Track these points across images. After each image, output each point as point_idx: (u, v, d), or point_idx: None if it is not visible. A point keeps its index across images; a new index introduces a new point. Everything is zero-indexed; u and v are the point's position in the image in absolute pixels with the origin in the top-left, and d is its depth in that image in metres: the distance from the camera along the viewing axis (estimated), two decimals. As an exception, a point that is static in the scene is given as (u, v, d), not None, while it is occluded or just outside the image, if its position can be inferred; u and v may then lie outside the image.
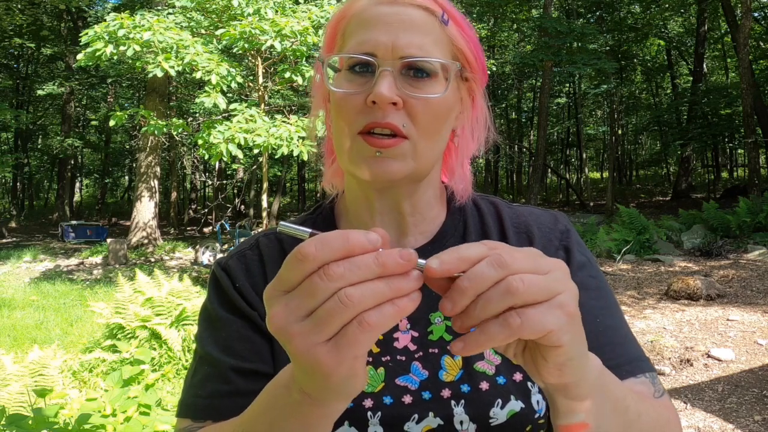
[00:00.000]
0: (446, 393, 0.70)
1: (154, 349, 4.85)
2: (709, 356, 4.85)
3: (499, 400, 0.69)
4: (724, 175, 28.16)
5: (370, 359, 0.72)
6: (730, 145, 23.63)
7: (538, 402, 0.70)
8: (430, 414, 0.69)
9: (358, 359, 0.44)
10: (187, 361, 4.89)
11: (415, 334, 0.73)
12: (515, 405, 0.69)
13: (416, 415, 0.69)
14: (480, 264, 0.44)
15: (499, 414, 0.69)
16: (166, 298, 5.36)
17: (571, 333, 0.46)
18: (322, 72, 0.75)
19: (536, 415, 0.70)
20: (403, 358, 0.72)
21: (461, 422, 0.68)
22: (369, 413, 0.69)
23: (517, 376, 0.71)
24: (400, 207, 0.75)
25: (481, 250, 0.45)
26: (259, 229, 12.90)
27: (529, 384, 0.71)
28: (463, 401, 0.69)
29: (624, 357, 0.71)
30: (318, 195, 28.38)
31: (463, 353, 0.46)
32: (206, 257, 11.57)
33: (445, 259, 0.44)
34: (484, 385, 0.70)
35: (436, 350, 0.72)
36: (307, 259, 0.43)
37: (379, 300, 0.43)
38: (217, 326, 0.75)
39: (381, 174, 0.67)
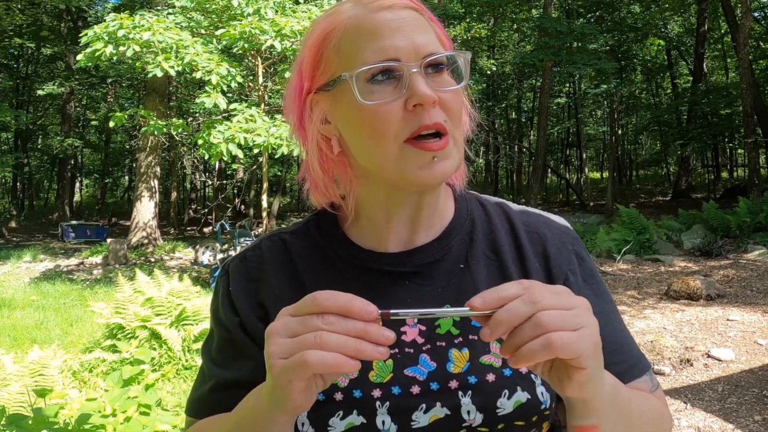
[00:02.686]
0: (454, 384, 0.71)
1: (154, 349, 4.85)
2: (709, 356, 4.85)
3: (506, 391, 0.71)
4: (724, 175, 28.15)
5: None
6: (730, 145, 23.62)
7: (542, 393, 0.73)
8: (438, 404, 0.71)
9: (292, 383, 0.55)
10: (186, 361, 4.89)
11: (423, 328, 0.74)
12: (521, 396, 0.71)
13: (424, 405, 0.71)
14: (515, 301, 0.54)
15: (505, 404, 0.71)
16: (166, 298, 5.36)
17: (594, 359, 0.56)
18: (303, 102, 0.75)
19: (542, 406, 0.72)
20: (411, 351, 0.73)
21: (468, 412, 0.70)
22: (377, 403, 0.71)
23: (523, 369, 0.72)
24: (422, 203, 0.76)
25: (517, 290, 0.55)
26: (260, 230, 12.89)
27: (534, 376, 0.73)
28: (470, 392, 0.71)
29: (632, 359, 0.78)
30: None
31: (514, 365, 0.56)
32: (206, 257, 11.56)
33: (487, 298, 0.55)
34: (491, 377, 0.72)
35: (444, 343, 0.73)
36: (316, 303, 0.55)
37: (340, 349, 0.54)
38: (211, 335, 0.83)
39: (440, 176, 0.69)
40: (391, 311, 0.56)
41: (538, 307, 0.54)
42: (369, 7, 0.70)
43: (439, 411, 0.70)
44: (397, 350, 0.73)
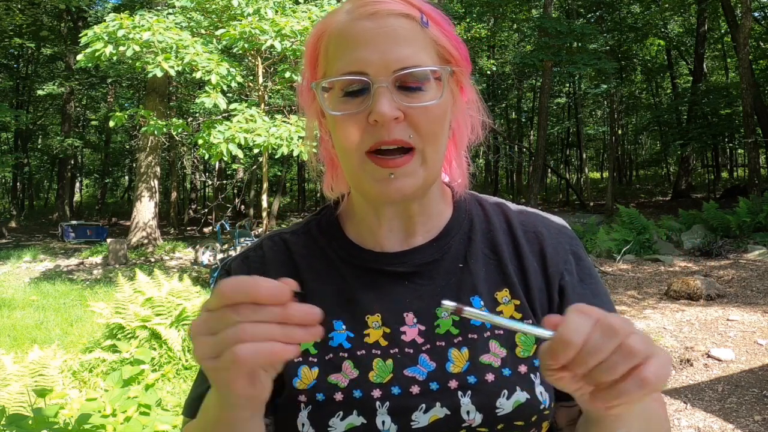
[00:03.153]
0: (453, 384, 0.71)
1: (154, 349, 4.85)
2: (709, 356, 4.85)
3: (505, 391, 0.71)
4: (724, 175, 28.16)
5: (378, 352, 0.73)
6: (730, 145, 23.63)
7: (541, 393, 0.72)
8: (437, 404, 0.70)
9: (232, 382, 0.53)
10: (187, 361, 4.89)
11: (422, 328, 0.74)
12: (521, 396, 0.71)
13: (423, 405, 0.70)
14: (595, 336, 0.50)
15: (505, 404, 0.70)
16: (166, 298, 5.36)
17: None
18: (311, 93, 0.76)
19: (541, 406, 0.72)
20: (411, 351, 0.73)
21: (468, 412, 0.70)
22: (377, 403, 0.70)
23: (522, 368, 0.72)
24: (409, 210, 0.76)
25: (589, 323, 0.50)
26: (260, 230, 12.89)
27: (533, 376, 0.72)
28: (469, 392, 0.71)
29: None
30: (318, 195, 28.38)
31: (605, 411, 0.52)
32: (206, 257, 11.56)
33: (560, 352, 0.50)
34: (490, 377, 0.71)
35: (443, 343, 0.73)
36: (223, 296, 0.51)
37: (268, 337, 0.50)
38: None
39: (395, 193, 0.69)
40: (465, 309, 0.53)
41: (621, 335, 0.50)
42: (354, 13, 0.69)
43: (439, 411, 0.70)
44: (397, 350, 0.73)
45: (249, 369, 0.52)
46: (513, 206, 0.84)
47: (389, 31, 0.67)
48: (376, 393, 0.71)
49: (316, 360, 0.73)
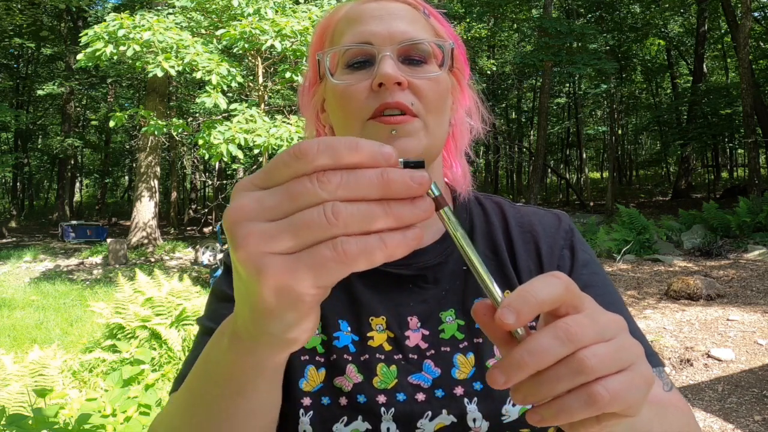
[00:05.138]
0: (459, 390, 0.70)
1: (154, 349, 4.85)
2: (709, 356, 4.85)
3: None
4: (724, 175, 28.17)
5: (382, 357, 0.71)
6: (730, 145, 23.62)
7: None
8: (444, 411, 0.69)
9: (309, 296, 0.37)
10: (187, 361, 4.89)
11: (426, 333, 0.73)
12: None
13: (429, 413, 0.69)
14: (544, 335, 0.39)
15: (511, 411, 0.69)
16: (166, 298, 5.36)
17: (644, 403, 0.42)
18: (311, 92, 0.76)
19: None
20: (415, 357, 0.72)
21: (474, 420, 0.68)
22: (382, 409, 0.69)
23: None
24: None
25: (557, 293, 0.40)
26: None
27: None
28: (476, 399, 0.69)
29: None
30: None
31: (541, 425, 0.42)
32: (206, 257, 11.56)
33: (520, 309, 0.39)
34: None
35: (448, 348, 0.72)
36: (305, 158, 0.35)
37: (369, 226, 0.35)
38: (226, 304, 0.75)
39: (399, 154, 0.67)
40: (446, 210, 0.40)
41: (577, 344, 0.39)
42: (360, 1, 0.73)
43: (445, 419, 0.68)
44: (401, 356, 0.72)
45: (340, 277, 0.37)
46: (511, 205, 0.83)
47: (393, 11, 0.71)
48: (381, 399, 0.69)
49: (323, 360, 0.71)
